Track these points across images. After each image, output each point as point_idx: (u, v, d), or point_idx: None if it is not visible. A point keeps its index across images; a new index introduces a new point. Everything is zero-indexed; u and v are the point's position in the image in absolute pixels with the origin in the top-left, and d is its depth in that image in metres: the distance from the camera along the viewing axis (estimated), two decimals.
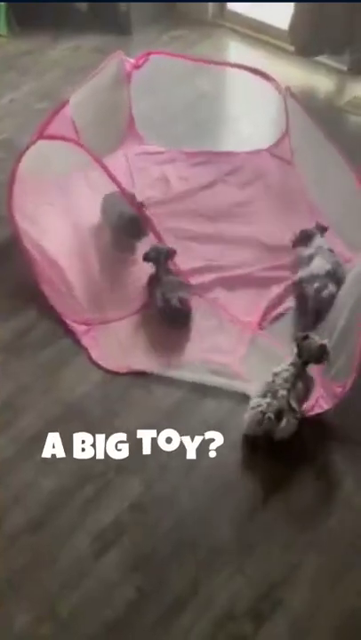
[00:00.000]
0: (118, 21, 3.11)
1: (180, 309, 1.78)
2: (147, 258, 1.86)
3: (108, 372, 1.70)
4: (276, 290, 1.90)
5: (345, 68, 2.70)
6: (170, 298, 1.77)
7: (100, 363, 1.72)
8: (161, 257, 1.86)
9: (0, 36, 3.10)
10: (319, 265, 1.83)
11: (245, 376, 1.67)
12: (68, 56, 3.00)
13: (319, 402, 1.59)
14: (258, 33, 3.05)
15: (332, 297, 1.76)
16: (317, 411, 1.57)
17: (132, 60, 2.26)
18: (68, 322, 1.80)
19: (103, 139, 2.20)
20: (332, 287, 1.78)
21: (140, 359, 1.73)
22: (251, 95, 2.36)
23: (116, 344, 1.77)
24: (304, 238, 1.95)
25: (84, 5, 3.26)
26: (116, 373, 1.70)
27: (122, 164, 2.27)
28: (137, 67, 2.23)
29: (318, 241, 1.92)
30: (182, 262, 1.93)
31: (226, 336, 1.78)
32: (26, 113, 2.58)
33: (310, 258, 1.88)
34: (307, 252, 1.91)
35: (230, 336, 1.78)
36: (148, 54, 2.29)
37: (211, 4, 3.14)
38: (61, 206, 2.03)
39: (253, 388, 1.57)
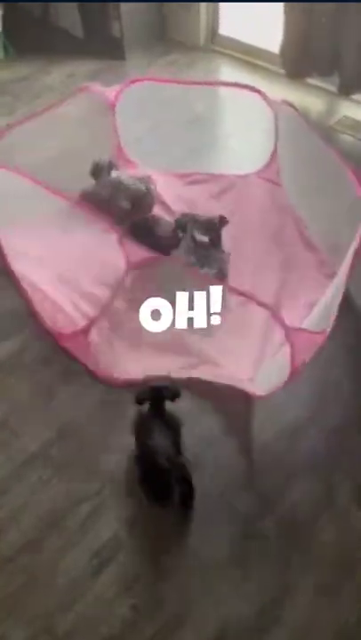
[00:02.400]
0: (112, 47, 3.19)
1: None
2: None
3: (102, 381, 1.70)
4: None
5: (334, 89, 2.76)
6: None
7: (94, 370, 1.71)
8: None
9: None
10: None
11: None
12: (62, 82, 3.05)
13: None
14: (249, 57, 3.12)
15: None
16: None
17: (113, 89, 2.31)
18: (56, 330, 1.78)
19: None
20: None
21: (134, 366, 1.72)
22: (243, 117, 2.41)
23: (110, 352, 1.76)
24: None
25: (79, 31, 3.33)
26: (110, 383, 1.69)
27: None
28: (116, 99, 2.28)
29: None
30: None
31: None
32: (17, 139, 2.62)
33: None
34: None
35: None
36: (132, 82, 2.34)
37: (202, 29, 3.22)
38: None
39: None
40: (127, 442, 1.58)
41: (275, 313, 1.78)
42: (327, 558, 1.38)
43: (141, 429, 1.47)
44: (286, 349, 1.51)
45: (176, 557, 1.39)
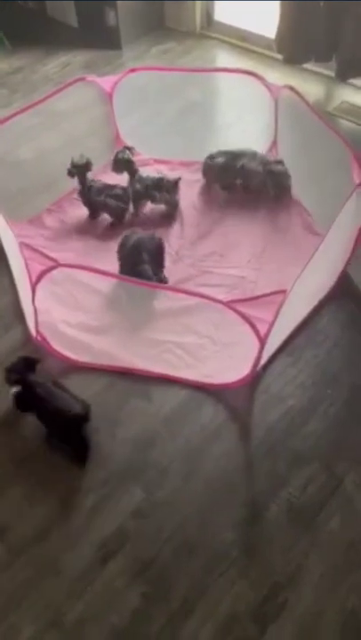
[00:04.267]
0: (108, 36, 3.16)
1: None
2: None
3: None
4: None
5: (332, 74, 2.74)
6: None
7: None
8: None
9: None
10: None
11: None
12: (58, 72, 3.04)
13: None
14: (246, 43, 3.09)
15: None
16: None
17: (110, 79, 2.29)
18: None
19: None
20: None
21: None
22: (243, 103, 2.39)
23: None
24: None
25: (74, 21, 3.31)
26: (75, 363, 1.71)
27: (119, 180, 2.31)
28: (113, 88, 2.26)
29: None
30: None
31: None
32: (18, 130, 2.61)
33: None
34: None
35: None
36: (131, 71, 2.32)
37: (198, 16, 3.19)
38: None
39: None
40: (132, 430, 1.60)
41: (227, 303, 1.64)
42: (333, 544, 1.39)
43: (40, 399, 1.54)
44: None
45: (182, 545, 1.40)
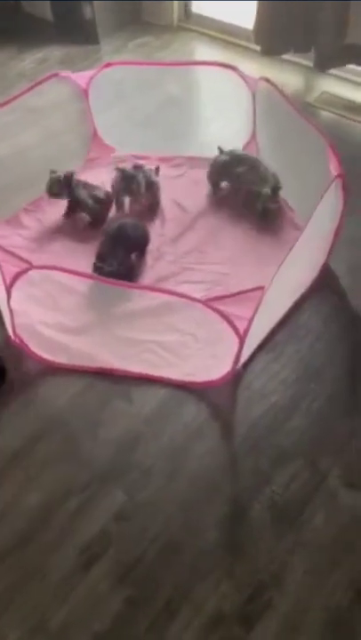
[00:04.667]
0: (84, 31, 3.12)
1: None
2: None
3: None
4: None
5: (312, 65, 2.72)
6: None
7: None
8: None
9: None
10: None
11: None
12: (35, 68, 2.99)
13: None
14: (224, 34, 3.06)
15: None
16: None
17: (85, 75, 2.26)
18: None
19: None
20: None
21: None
22: (221, 96, 2.36)
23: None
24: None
25: (48, 15, 3.26)
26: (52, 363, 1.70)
27: (98, 178, 2.29)
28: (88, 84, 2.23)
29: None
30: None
31: None
32: None
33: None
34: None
35: None
36: (106, 66, 2.29)
37: (176, 9, 3.16)
38: None
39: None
40: (113, 430, 1.58)
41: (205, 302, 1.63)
42: (317, 541, 1.38)
43: None
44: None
45: (166, 546, 1.39)
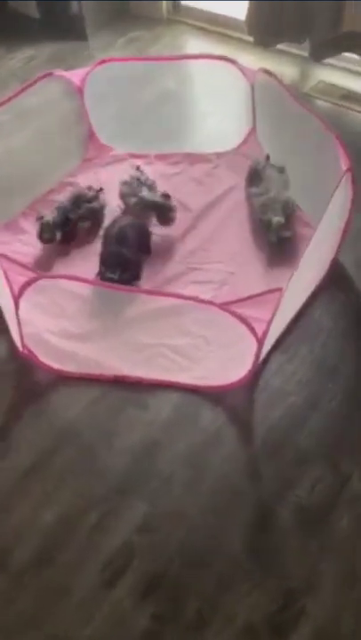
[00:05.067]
0: (72, 27, 3.05)
1: None
2: None
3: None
4: None
5: (307, 55, 2.67)
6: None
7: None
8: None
9: None
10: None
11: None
12: (23, 67, 2.92)
13: None
14: (216, 26, 3.01)
15: None
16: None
17: (79, 73, 2.20)
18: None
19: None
20: None
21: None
22: (218, 90, 2.30)
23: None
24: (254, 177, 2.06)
25: (34, 12, 3.18)
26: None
27: (96, 179, 2.24)
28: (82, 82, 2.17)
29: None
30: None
31: None
32: None
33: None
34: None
35: None
36: (100, 63, 2.23)
37: (165, 1, 3.09)
38: None
39: None
40: (130, 439, 1.54)
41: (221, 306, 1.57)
42: (347, 545, 1.35)
43: None
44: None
45: (192, 557, 1.35)
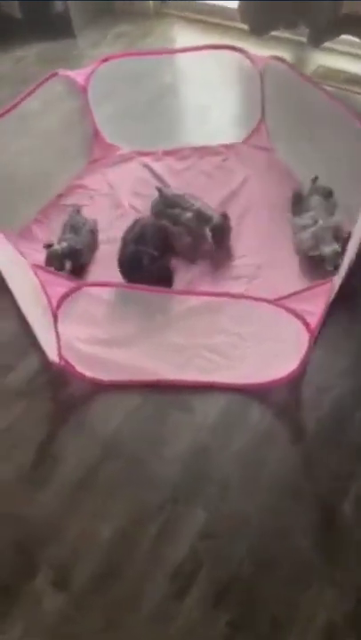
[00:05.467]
0: (58, 25, 2.97)
1: None
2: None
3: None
4: None
5: (303, 40, 2.64)
6: None
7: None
8: None
9: None
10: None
11: None
12: (12, 68, 2.84)
13: None
14: (205, 16, 2.96)
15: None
16: None
17: (82, 72, 2.15)
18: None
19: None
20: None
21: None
22: (222, 81, 2.26)
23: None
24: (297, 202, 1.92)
25: (17, 12, 3.09)
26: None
27: (105, 180, 2.18)
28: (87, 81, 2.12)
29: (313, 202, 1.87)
30: None
31: None
32: None
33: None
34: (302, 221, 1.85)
35: None
36: (104, 60, 2.17)
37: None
38: None
39: None
40: (179, 446, 1.51)
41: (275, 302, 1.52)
42: None
43: None
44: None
45: (260, 560, 1.32)
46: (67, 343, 1.66)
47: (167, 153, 2.27)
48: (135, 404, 1.60)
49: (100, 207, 2.10)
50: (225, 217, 1.89)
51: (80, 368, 1.63)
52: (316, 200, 1.87)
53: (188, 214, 1.89)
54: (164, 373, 1.63)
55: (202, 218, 1.89)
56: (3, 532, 1.39)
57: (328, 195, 1.89)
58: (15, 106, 1.97)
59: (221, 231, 1.88)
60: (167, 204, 1.96)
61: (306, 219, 1.83)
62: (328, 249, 1.73)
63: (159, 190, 2.01)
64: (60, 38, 2.95)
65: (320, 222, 1.78)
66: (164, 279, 1.77)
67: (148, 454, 1.50)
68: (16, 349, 1.74)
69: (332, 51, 2.64)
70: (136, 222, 1.90)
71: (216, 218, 1.88)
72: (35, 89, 2.02)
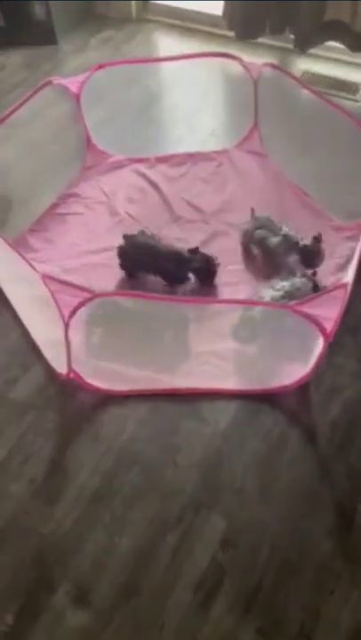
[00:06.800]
0: (40, 32, 2.94)
1: None
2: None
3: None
4: None
5: (289, 46, 2.66)
6: None
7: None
8: None
9: None
10: None
11: None
12: None
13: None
14: (188, 22, 2.96)
15: None
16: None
17: (75, 80, 2.13)
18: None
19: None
20: None
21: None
22: (213, 88, 2.27)
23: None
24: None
25: (0, 21, 3.05)
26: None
27: (99, 188, 2.17)
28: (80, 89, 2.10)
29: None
30: None
31: None
32: None
33: None
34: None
35: None
36: (98, 68, 2.15)
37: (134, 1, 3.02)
38: None
39: None
40: (193, 454, 1.50)
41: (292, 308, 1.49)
42: None
43: None
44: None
45: (282, 566, 1.32)
46: (74, 355, 1.64)
47: (160, 159, 2.26)
48: (145, 414, 1.58)
49: (96, 215, 2.08)
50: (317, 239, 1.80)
51: (89, 379, 1.61)
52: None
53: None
54: (174, 382, 1.62)
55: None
56: (20, 548, 1.36)
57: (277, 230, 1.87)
58: (10, 114, 1.93)
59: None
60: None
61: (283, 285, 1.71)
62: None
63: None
64: (42, 44, 2.92)
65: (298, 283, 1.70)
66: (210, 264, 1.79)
67: (162, 463, 1.49)
68: (20, 362, 1.70)
69: (317, 57, 2.67)
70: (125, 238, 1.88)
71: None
72: (29, 97, 1.98)
